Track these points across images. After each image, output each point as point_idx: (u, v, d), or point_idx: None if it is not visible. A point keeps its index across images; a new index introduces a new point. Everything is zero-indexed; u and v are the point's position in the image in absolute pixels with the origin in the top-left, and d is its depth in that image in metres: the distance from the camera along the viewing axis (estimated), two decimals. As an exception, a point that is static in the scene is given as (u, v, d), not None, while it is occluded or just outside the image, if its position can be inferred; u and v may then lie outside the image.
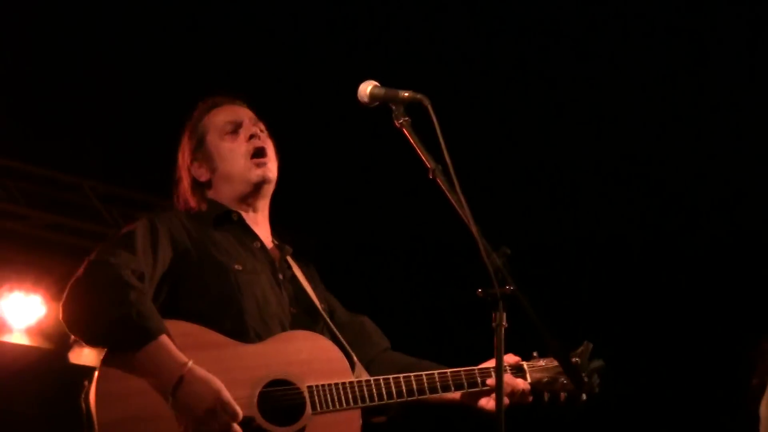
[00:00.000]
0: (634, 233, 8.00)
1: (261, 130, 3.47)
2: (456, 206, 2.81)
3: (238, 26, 6.96)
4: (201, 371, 2.96)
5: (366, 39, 6.66)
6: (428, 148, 2.89)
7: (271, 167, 3.44)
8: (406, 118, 2.96)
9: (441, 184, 2.83)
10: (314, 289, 3.48)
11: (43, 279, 8.08)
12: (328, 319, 3.39)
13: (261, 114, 3.59)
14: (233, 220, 3.40)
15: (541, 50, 7.16)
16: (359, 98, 3.24)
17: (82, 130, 7.35)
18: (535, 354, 3.41)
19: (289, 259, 3.48)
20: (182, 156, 3.54)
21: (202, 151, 3.47)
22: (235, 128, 3.46)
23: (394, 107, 3.01)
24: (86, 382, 3.04)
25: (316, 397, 3.09)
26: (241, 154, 3.41)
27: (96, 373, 3.02)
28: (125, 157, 7.65)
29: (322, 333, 3.33)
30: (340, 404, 3.11)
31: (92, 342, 3.08)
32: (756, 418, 4.33)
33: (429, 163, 2.86)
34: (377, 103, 3.17)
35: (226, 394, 2.95)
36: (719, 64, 6.96)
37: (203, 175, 3.46)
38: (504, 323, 2.66)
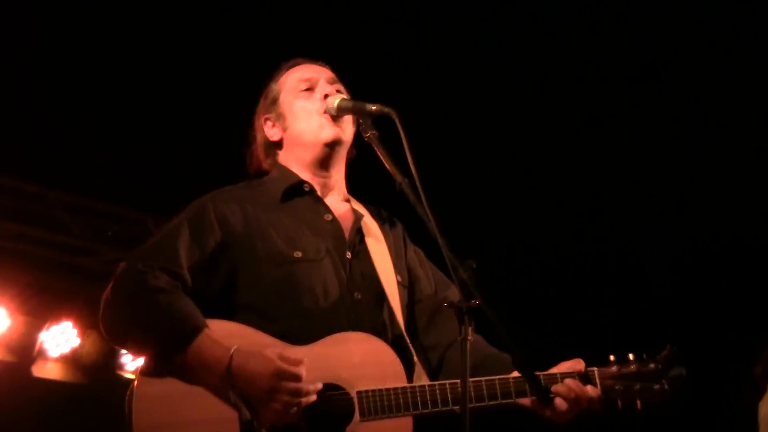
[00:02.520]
0: (617, 239, 8.03)
1: (338, 91, 3.30)
2: (423, 219, 2.79)
3: (207, 34, 6.94)
4: (248, 349, 2.82)
5: (334, 51, 6.66)
6: (397, 161, 2.87)
7: (345, 127, 3.27)
8: (374, 132, 2.95)
9: (408, 197, 2.81)
10: (395, 256, 3.29)
11: (6, 291, 7.99)
12: (392, 302, 3.18)
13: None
14: (304, 191, 3.26)
15: (509, 63, 7.20)
16: (327, 111, 3.24)
17: (48, 139, 7.29)
18: (611, 358, 3.20)
19: (365, 224, 3.29)
20: (257, 117, 3.42)
21: (275, 110, 3.35)
22: (311, 86, 3.33)
23: (362, 120, 3.00)
24: (133, 382, 2.90)
25: (365, 404, 2.94)
26: (313, 113, 3.27)
27: (137, 377, 2.90)
28: (91, 168, 7.59)
29: (388, 319, 3.16)
30: (390, 411, 2.96)
31: (136, 353, 3.01)
32: (753, 412, 4.23)
33: (396, 177, 2.84)
34: (345, 116, 3.18)
35: (285, 360, 2.80)
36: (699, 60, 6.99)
37: (275, 135, 3.35)
38: (470, 337, 2.62)
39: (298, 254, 3.12)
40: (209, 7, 6.77)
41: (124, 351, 8.37)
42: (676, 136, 7.42)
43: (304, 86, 3.34)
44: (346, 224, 3.27)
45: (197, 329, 2.86)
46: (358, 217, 3.30)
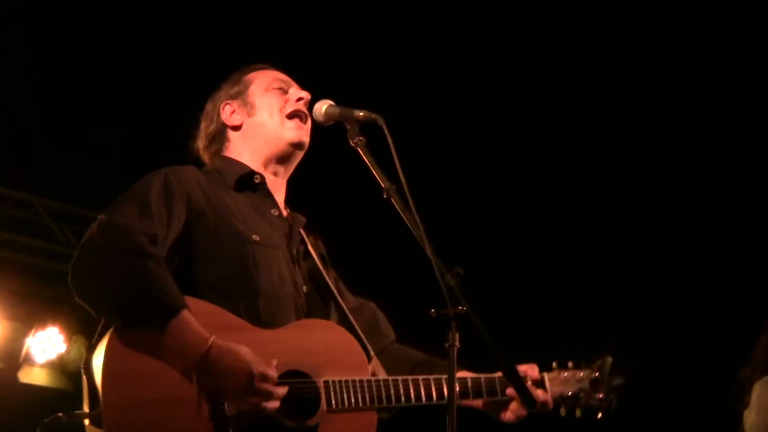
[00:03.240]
0: (607, 247, 8.05)
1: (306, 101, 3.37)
2: (410, 226, 2.78)
3: (190, 41, 6.94)
4: (225, 343, 2.76)
5: (321, 58, 6.67)
6: (384, 167, 2.87)
7: (308, 134, 3.34)
8: (361, 138, 2.95)
9: (395, 204, 2.81)
10: (324, 266, 3.34)
11: (-8, 297, 7.97)
12: (341, 301, 3.25)
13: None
14: (254, 183, 3.26)
15: (496, 70, 7.22)
16: (314, 117, 3.24)
17: (34, 146, 7.28)
18: (554, 365, 3.32)
19: (301, 231, 3.31)
20: (212, 103, 3.39)
21: (241, 98, 3.35)
22: (286, 87, 3.37)
23: (349, 126, 3.00)
24: (86, 351, 2.82)
25: (332, 394, 2.94)
26: (283, 110, 3.31)
27: (104, 347, 2.76)
28: (77, 175, 7.58)
29: (331, 315, 3.21)
30: (356, 403, 2.96)
31: (104, 315, 2.82)
32: (737, 414, 4.21)
33: (383, 183, 2.84)
34: (332, 122, 3.18)
35: (258, 362, 2.77)
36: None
37: (235, 120, 3.33)
38: (456, 344, 2.63)
39: (257, 237, 3.10)
40: (193, 14, 6.77)
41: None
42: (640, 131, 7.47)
43: (278, 85, 3.37)
44: (289, 223, 3.30)
45: (182, 306, 2.78)
46: (299, 221, 3.34)
